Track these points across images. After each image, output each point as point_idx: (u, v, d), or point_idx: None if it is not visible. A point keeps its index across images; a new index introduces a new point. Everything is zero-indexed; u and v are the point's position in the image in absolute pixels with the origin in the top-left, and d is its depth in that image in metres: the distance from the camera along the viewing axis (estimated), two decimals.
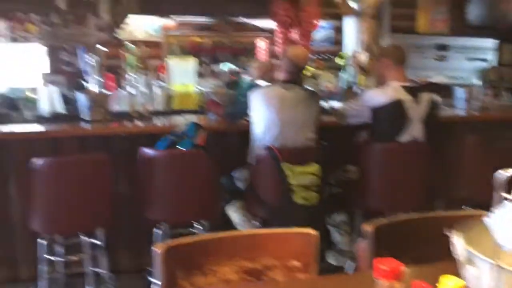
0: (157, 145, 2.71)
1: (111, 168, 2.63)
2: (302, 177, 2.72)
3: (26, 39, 5.57)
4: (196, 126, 2.83)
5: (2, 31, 5.43)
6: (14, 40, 5.55)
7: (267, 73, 3.45)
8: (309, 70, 4.12)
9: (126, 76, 4.01)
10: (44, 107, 4.04)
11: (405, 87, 2.89)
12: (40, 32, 5.51)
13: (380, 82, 3.10)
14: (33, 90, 5.03)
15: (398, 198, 2.90)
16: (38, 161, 2.49)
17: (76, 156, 2.83)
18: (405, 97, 2.86)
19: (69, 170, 2.58)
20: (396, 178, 2.89)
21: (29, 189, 2.53)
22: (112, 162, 2.64)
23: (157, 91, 4.46)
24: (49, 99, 4.64)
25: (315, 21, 5.21)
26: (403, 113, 2.86)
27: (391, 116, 2.89)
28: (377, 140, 2.95)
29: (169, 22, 6.04)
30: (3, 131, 3.07)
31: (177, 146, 2.70)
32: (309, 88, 3.28)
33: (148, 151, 2.65)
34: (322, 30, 6.22)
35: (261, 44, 6.54)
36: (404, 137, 2.89)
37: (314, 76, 4.35)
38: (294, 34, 5.13)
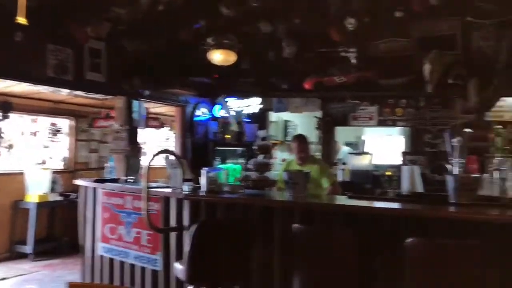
0: None
1: (485, 258, 2.50)
2: None
3: (393, 123, 6.08)
4: None
5: (373, 115, 6.12)
6: (381, 123, 6.15)
7: None
8: None
9: (493, 159, 3.80)
10: (404, 186, 4.22)
11: None
12: (405, 115, 5.93)
13: None
14: (395, 168, 5.39)
15: None
16: (410, 241, 2.60)
17: (452, 241, 2.77)
18: None
19: (444, 255, 2.58)
20: None
21: (397, 264, 2.65)
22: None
23: None
24: (409, 178, 4.85)
25: None
26: None
27: None
28: None
29: None
30: (377, 206, 3.38)
31: None
32: None
33: None
34: None
35: None
36: None
37: None
38: None
